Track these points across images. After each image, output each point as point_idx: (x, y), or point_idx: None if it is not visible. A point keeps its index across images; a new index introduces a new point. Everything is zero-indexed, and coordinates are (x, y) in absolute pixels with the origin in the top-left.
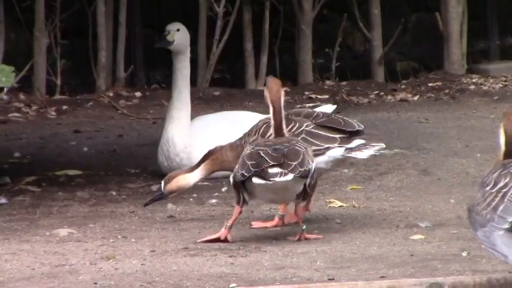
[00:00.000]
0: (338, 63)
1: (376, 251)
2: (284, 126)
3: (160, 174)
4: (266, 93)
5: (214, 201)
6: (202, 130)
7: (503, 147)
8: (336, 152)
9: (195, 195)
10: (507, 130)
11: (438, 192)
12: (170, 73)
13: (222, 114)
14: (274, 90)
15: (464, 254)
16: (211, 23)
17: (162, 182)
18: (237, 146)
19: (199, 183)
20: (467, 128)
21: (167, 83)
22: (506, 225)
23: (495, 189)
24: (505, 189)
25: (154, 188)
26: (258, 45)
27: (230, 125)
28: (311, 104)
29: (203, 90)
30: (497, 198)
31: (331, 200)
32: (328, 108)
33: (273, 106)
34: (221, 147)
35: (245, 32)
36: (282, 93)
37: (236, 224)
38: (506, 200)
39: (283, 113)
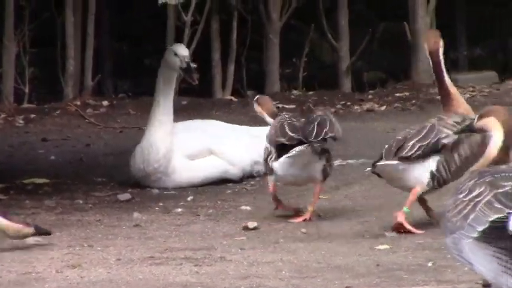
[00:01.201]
0: (305, 73)
1: (341, 261)
2: (446, 78)
3: (127, 183)
4: (424, 45)
5: (179, 210)
6: (183, 138)
7: (494, 151)
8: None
9: (161, 204)
10: (506, 126)
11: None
12: (138, 82)
13: (201, 122)
14: (432, 41)
15: (430, 264)
16: (179, 32)
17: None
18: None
19: (166, 192)
20: None
21: (135, 93)
22: (475, 234)
23: (468, 198)
24: (478, 199)
25: (121, 197)
26: (226, 55)
27: (208, 135)
28: None
29: None
30: (469, 207)
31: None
32: None
33: (432, 58)
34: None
35: (213, 42)
36: (441, 43)
37: (202, 233)
38: (477, 209)
39: (443, 65)
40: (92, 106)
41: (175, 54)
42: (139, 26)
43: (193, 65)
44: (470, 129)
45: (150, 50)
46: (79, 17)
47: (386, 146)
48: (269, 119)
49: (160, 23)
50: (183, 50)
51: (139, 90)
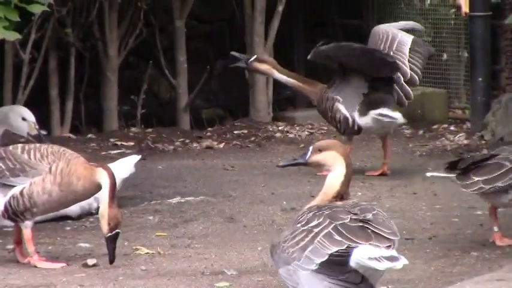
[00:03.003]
0: (144, 110)
1: None
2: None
3: None
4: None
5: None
6: None
7: (338, 185)
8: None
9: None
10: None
11: (244, 240)
12: None
13: None
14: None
15: None
16: (17, 69)
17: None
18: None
19: (5, 229)
20: (273, 175)
21: None
22: (313, 267)
23: (306, 228)
24: (316, 229)
25: None
26: (64, 91)
27: None
28: (116, 151)
29: (9, 135)
30: (307, 238)
31: (137, 247)
32: (133, 159)
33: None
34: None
35: (50, 78)
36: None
37: (41, 270)
38: (316, 241)
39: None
40: None
41: (24, 119)
42: None
43: (43, 132)
44: (300, 163)
45: None
46: None
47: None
48: (280, 75)
49: None
50: (30, 115)
51: None
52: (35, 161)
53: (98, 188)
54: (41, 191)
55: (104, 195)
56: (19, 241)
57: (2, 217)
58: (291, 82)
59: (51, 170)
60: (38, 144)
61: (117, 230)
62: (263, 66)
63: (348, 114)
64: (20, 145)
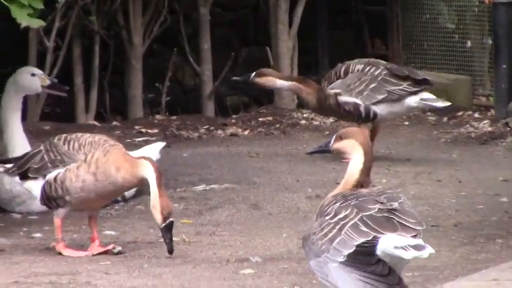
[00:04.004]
0: (168, 98)
1: (206, 285)
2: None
3: None
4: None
5: (44, 235)
6: None
7: (357, 173)
8: (412, 99)
9: (25, 229)
10: (366, 148)
11: (269, 227)
12: None
13: None
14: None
15: None
16: (41, 57)
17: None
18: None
19: (29, 217)
20: (297, 162)
21: None
22: (341, 259)
23: (334, 220)
24: (343, 221)
25: None
26: (88, 79)
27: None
28: (140, 139)
29: (33, 124)
30: (335, 230)
31: None
32: (158, 146)
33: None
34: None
35: (75, 66)
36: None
37: (66, 258)
38: (343, 232)
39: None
40: None
41: (33, 75)
42: (1, 49)
43: (54, 79)
44: (324, 151)
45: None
46: None
47: None
48: (283, 83)
49: (22, 48)
50: (38, 70)
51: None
52: (73, 152)
53: (140, 180)
54: (74, 178)
55: (152, 186)
56: (93, 239)
57: (39, 202)
58: (293, 85)
59: (86, 159)
60: (79, 135)
61: (170, 219)
62: (263, 80)
63: (359, 101)
64: (64, 135)
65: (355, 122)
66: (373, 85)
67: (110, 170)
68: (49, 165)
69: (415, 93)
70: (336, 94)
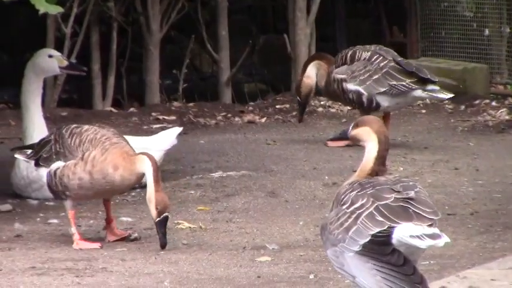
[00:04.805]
0: (185, 85)
1: (222, 272)
2: None
3: (7, 194)
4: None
5: (60, 220)
6: None
7: (371, 162)
8: (417, 92)
9: (41, 214)
10: (380, 136)
11: (285, 215)
12: (18, 92)
13: None
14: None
15: (311, 276)
16: (59, 44)
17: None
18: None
19: (46, 203)
20: (314, 150)
21: (15, 103)
22: (357, 248)
23: (350, 210)
24: (359, 211)
25: (1, 207)
26: (106, 66)
27: None
28: (158, 125)
29: (50, 110)
30: (351, 219)
31: (179, 221)
32: (175, 131)
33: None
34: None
35: (92, 53)
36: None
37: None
38: (359, 222)
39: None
40: None
41: (50, 56)
42: (20, 36)
43: (72, 60)
44: (343, 137)
45: None
46: None
47: None
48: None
49: (40, 34)
50: (55, 51)
51: (19, 100)
52: (73, 147)
53: (139, 177)
54: (71, 175)
55: (148, 180)
56: (110, 220)
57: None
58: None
59: (83, 157)
60: (83, 129)
61: (165, 214)
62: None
63: (362, 91)
64: (72, 127)
65: (359, 110)
66: (376, 76)
67: (106, 168)
68: (54, 156)
69: (417, 90)
70: (342, 80)
